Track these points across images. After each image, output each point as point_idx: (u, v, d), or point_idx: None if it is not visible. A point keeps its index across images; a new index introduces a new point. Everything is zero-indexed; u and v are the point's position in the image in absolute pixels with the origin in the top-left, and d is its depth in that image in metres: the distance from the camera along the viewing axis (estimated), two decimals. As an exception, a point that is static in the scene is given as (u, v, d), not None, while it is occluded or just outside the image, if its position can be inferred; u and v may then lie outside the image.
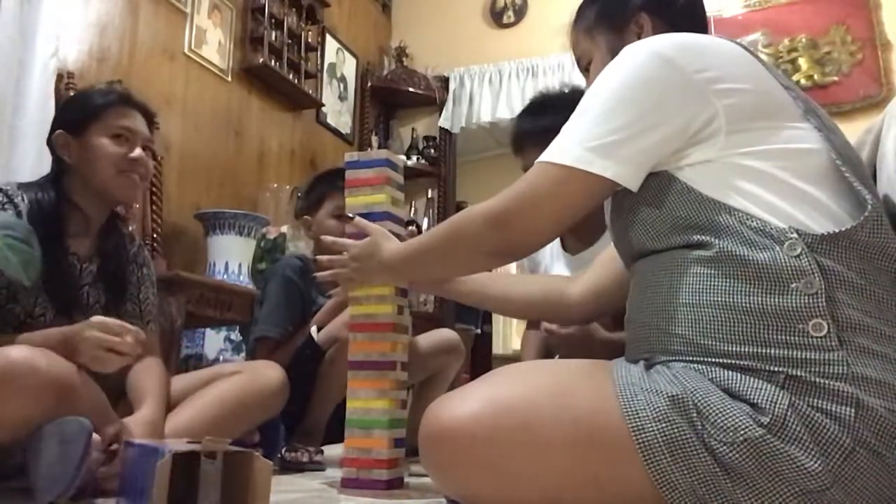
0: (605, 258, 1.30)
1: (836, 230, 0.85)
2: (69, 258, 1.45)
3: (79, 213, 1.48)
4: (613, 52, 1.00)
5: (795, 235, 0.84)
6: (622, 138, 0.91)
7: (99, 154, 1.47)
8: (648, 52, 0.94)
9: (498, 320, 6.60)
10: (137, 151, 1.50)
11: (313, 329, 1.93)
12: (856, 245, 0.84)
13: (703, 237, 0.89)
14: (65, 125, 1.50)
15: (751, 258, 0.85)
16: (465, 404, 0.91)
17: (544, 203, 0.96)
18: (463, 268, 1.19)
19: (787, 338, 0.82)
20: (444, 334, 2.13)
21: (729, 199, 0.89)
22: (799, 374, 0.80)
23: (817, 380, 0.79)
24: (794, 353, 0.81)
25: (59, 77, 2.34)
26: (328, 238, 1.42)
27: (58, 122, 1.52)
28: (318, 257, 1.45)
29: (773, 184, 0.88)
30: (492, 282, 1.37)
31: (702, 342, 0.86)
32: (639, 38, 1.10)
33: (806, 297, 0.82)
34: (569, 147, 0.94)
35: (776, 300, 0.83)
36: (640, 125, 0.91)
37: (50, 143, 1.51)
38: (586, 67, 1.19)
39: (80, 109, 1.53)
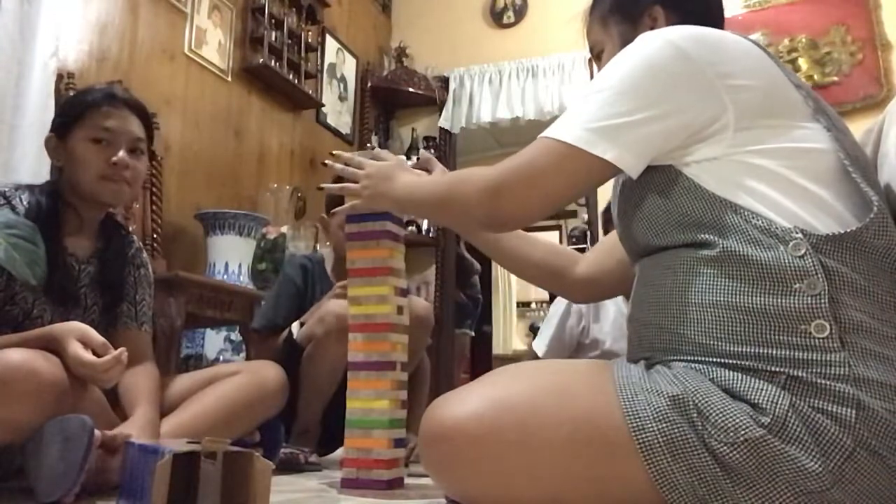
0: (607, 242, 1.29)
1: (842, 231, 0.84)
2: (67, 259, 1.44)
3: (75, 214, 1.47)
4: (625, 43, 1.00)
5: (800, 235, 0.84)
6: (627, 123, 0.91)
7: (79, 159, 1.43)
8: (662, 41, 0.93)
9: (498, 321, 6.61)
10: (120, 154, 1.43)
11: (294, 325, 1.93)
12: (861, 246, 0.84)
13: (708, 236, 0.89)
14: (54, 128, 1.48)
15: (754, 258, 0.85)
16: (465, 404, 0.91)
17: (541, 178, 0.94)
18: (454, 226, 1.21)
19: (789, 338, 0.82)
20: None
21: (735, 198, 0.88)
22: (800, 374, 0.80)
23: (818, 381, 0.79)
24: (796, 353, 0.81)
25: (59, 77, 2.33)
26: (345, 154, 1.38)
27: (51, 125, 1.50)
28: (330, 162, 1.40)
29: (780, 183, 0.88)
30: (508, 235, 1.35)
31: (703, 341, 0.86)
32: (651, 30, 1.10)
33: (809, 298, 0.82)
34: (573, 126, 0.93)
35: (779, 300, 0.83)
36: (647, 112, 0.91)
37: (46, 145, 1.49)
38: (598, 55, 1.18)
39: (66, 111, 1.49)
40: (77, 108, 1.46)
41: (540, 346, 2.28)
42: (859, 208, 0.87)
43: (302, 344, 1.88)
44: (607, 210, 2.23)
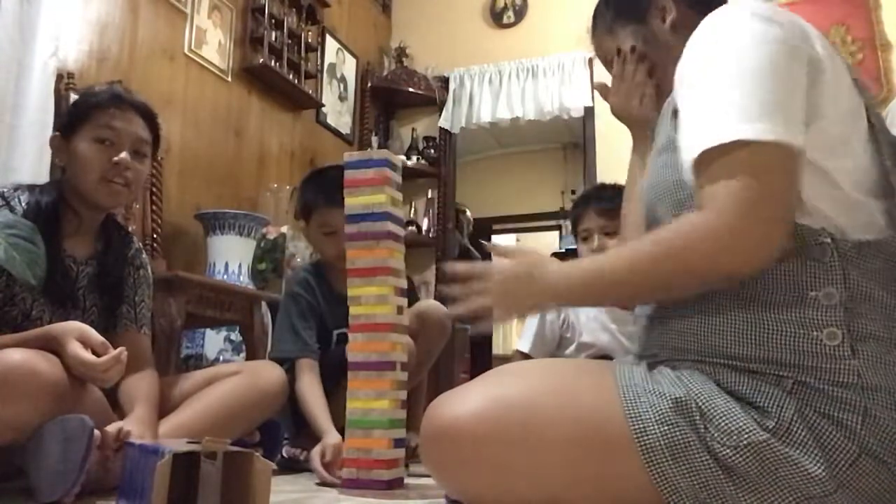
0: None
1: (870, 238, 0.83)
2: (66, 260, 1.44)
3: (74, 215, 1.47)
4: (642, 40, 0.98)
5: (828, 240, 0.82)
6: (782, 102, 0.82)
7: (81, 159, 1.43)
8: (754, 17, 0.87)
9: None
10: (122, 155, 1.43)
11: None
12: (887, 256, 0.83)
13: None
14: (60, 127, 1.49)
15: (774, 263, 0.82)
16: (466, 403, 0.91)
17: (777, 191, 0.81)
18: (668, 294, 0.92)
19: (800, 344, 0.81)
20: (422, 305, 1.95)
21: None
22: (807, 380, 0.80)
23: (825, 387, 0.79)
24: (805, 359, 0.80)
25: (59, 77, 2.33)
26: (459, 266, 1.06)
27: (57, 124, 1.52)
28: (452, 267, 1.08)
29: (817, 184, 0.84)
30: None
31: (712, 342, 0.86)
32: (664, 21, 1.07)
33: (824, 307, 0.81)
34: (739, 124, 0.81)
35: (793, 307, 0.82)
36: (793, 94, 0.84)
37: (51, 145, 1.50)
38: (612, 64, 1.16)
39: (72, 111, 1.50)
40: (83, 108, 1.47)
41: (525, 344, 2.29)
42: (893, 218, 0.85)
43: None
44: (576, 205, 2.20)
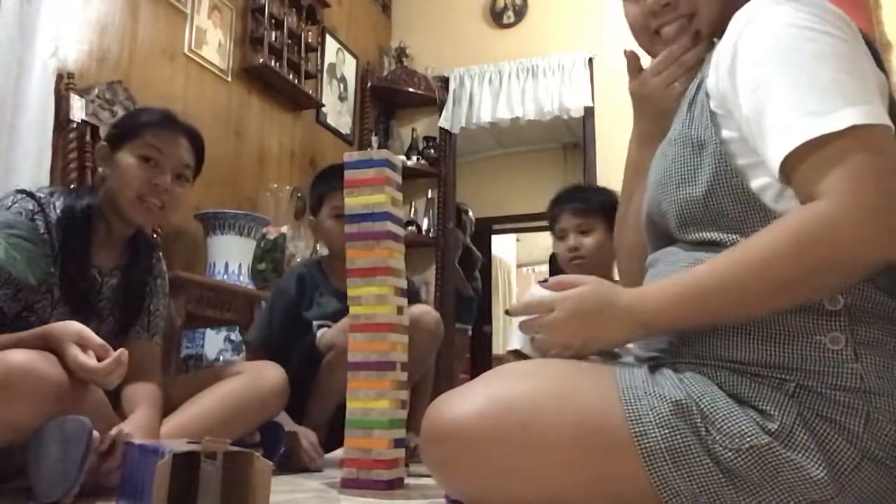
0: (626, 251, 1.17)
1: None
2: (91, 270, 1.44)
3: (106, 225, 1.48)
4: None
5: None
6: (871, 88, 0.81)
7: (122, 173, 1.44)
8: (801, 3, 0.85)
9: (498, 320, 6.61)
10: (163, 178, 1.45)
11: (321, 331, 1.93)
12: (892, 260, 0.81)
13: (736, 237, 0.86)
14: (108, 137, 1.51)
15: None
16: (467, 403, 0.90)
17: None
18: (784, 303, 0.82)
19: (803, 348, 0.81)
20: (414, 310, 1.91)
21: (772, 200, 0.84)
22: (810, 384, 0.79)
23: (828, 391, 0.79)
24: (808, 363, 0.80)
25: (59, 77, 2.33)
26: (516, 306, 1.04)
27: (107, 134, 1.53)
28: (511, 308, 1.04)
29: None
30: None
31: (714, 345, 0.86)
32: None
33: (829, 311, 0.81)
34: (867, 104, 0.78)
35: (798, 311, 0.81)
36: (869, 76, 0.83)
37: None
38: None
39: (122, 123, 1.52)
40: (134, 123, 1.49)
41: (518, 342, 2.30)
42: None
43: (323, 350, 1.88)
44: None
